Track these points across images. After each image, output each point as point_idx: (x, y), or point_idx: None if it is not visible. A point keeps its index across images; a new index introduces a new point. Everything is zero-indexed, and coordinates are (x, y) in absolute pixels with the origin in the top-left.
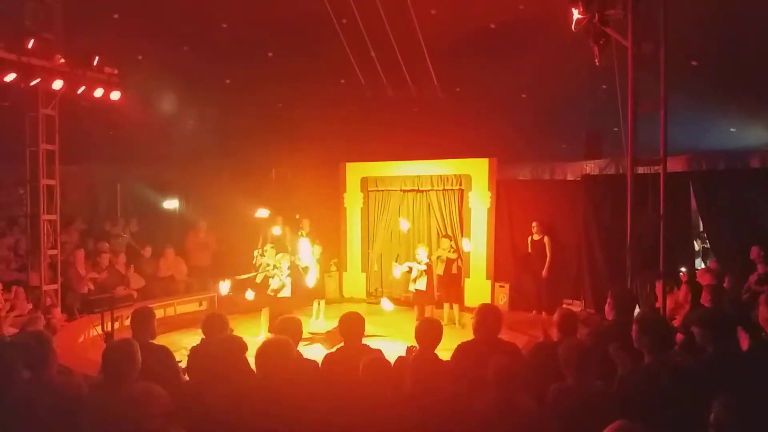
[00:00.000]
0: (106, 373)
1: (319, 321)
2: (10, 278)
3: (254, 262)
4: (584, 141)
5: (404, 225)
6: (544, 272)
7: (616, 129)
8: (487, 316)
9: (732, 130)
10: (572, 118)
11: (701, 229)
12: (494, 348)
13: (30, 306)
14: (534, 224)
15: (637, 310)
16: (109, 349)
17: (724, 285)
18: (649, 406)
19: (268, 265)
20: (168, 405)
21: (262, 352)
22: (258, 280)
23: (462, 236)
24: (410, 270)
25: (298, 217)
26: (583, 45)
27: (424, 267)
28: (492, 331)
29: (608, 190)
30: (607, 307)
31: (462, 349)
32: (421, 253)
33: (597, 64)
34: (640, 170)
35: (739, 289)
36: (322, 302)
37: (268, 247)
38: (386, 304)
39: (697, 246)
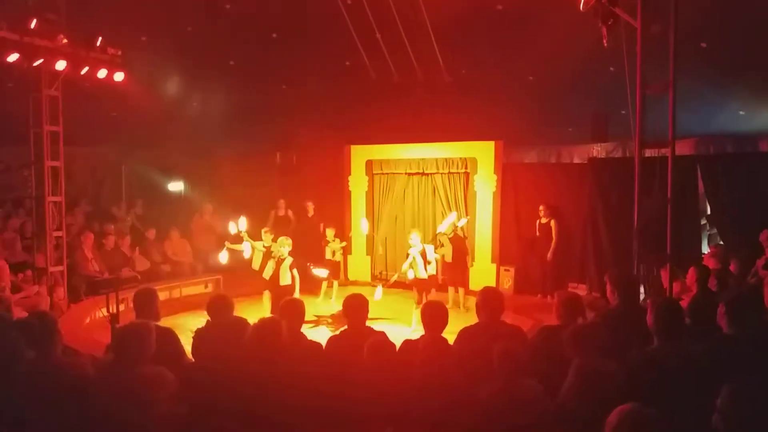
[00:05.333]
0: (117, 354)
1: (331, 301)
2: (17, 260)
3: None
4: (591, 124)
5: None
6: (549, 255)
7: (623, 112)
8: (489, 299)
9: (741, 113)
10: (579, 101)
11: (708, 212)
12: (498, 331)
13: (36, 287)
14: (541, 207)
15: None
16: (123, 330)
17: (731, 269)
18: (658, 391)
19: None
20: (175, 390)
21: (253, 334)
22: (255, 266)
23: (466, 214)
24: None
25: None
26: (591, 26)
27: (430, 258)
28: (495, 314)
29: (615, 174)
30: (608, 291)
31: (466, 333)
32: (414, 238)
33: (605, 45)
34: (648, 153)
35: (745, 273)
36: (335, 283)
37: (264, 231)
38: (378, 293)
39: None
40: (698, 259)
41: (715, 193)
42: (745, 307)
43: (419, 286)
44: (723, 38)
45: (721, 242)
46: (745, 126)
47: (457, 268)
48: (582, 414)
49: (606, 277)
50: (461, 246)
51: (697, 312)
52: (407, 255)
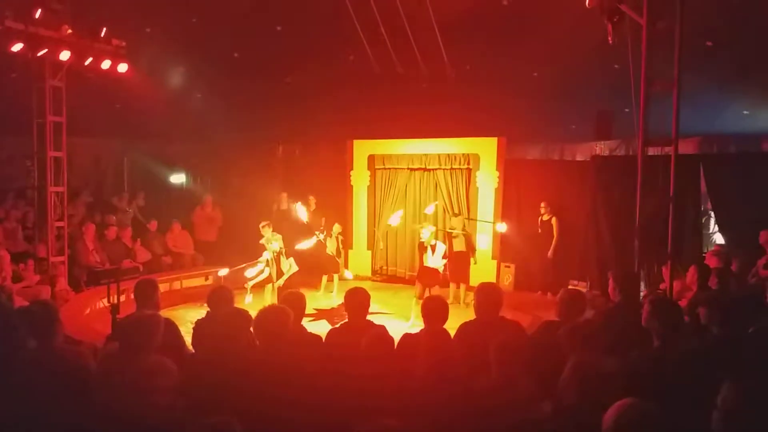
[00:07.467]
0: (123, 343)
1: (332, 295)
2: (19, 250)
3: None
4: (595, 121)
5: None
6: (550, 253)
7: (627, 110)
8: (487, 295)
9: (745, 113)
10: (583, 98)
11: (710, 212)
12: (497, 327)
13: (38, 277)
14: (543, 205)
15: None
16: (132, 320)
17: (732, 268)
18: (657, 389)
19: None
20: (177, 380)
21: (260, 320)
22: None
23: (467, 210)
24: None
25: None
26: (597, 22)
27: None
28: (493, 310)
29: (618, 172)
30: (610, 288)
31: (465, 329)
32: (426, 233)
33: (610, 42)
34: (651, 152)
35: (746, 273)
36: (336, 276)
37: (262, 225)
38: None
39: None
40: (699, 258)
41: (717, 193)
42: (729, 309)
43: (423, 280)
44: (729, 37)
45: (721, 242)
46: (749, 126)
47: (459, 263)
48: (579, 410)
49: (610, 274)
50: (467, 242)
51: (696, 310)
52: (420, 242)
